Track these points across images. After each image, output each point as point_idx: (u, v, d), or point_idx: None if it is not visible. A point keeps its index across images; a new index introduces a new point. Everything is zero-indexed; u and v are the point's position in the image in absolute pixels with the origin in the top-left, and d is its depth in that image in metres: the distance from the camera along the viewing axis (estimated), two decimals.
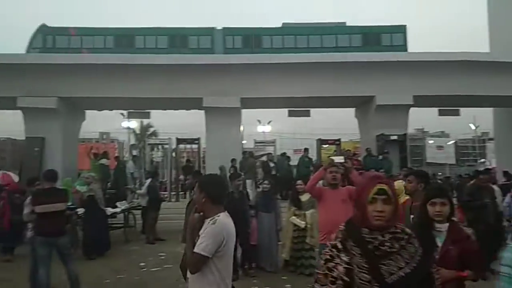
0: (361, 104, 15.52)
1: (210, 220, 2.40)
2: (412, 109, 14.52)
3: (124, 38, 18.00)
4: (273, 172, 13.47)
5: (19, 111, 14.16)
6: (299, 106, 15.40)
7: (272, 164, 14.62)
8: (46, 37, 17.99)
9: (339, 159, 4.17)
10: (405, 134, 14.36)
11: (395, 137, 14.08)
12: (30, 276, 5.26)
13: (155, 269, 7.09)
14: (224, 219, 2.43)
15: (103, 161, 13.44)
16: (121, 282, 6.31)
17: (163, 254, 8.19)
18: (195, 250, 2.32)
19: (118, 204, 9.87)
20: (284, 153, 15.51)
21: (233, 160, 13.14)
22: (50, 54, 15.74)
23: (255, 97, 14.19)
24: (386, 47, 18.04)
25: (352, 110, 16.88)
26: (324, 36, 18.31)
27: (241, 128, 14.95)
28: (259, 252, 6.59)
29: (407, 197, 3.82)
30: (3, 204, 7.62)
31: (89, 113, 16.54)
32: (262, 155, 16.73)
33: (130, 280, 6.40)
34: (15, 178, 9.73)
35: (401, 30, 19.35)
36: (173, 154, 16.01)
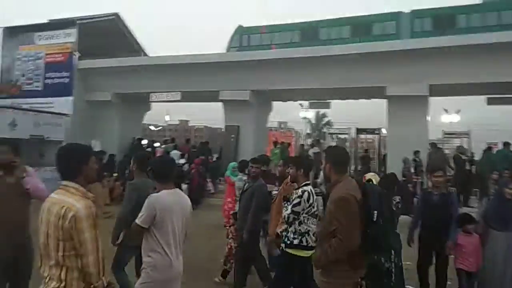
0: None
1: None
2: None
3: (309, 32, 18.71)
4: (467, 168, 12.01)
5: (219, 103, 16.37)
6: (502, 92, 13.23)
7: (464, 157, 13.08)
8: (242, 36, 20.21)
9: None
10: None
11: None
12: None
13: None
14: (160, 194, 2.91)
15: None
16: None
17: None
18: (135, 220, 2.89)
19: None
20: (490, 147, 13.30)
21: (416, 152, 12.29)
22: (244, 52, 17.54)
23: (446, 83, 12.84)
24: None
25: None
26: None
27: (428, 118, 13.72)
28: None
29: None
30: (194, 173, 12.27)
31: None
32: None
33: None
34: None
35: None
36: (347, 143, 15.97)
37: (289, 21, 20.37)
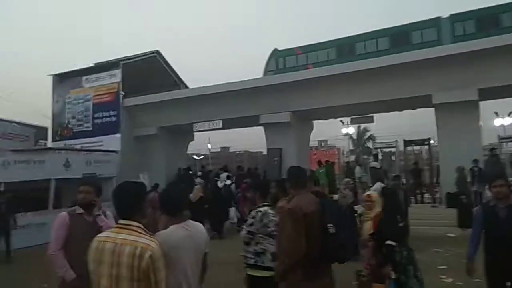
0: None
1: None
2: None
3: (345, 47, 18.60)
4: None
5: (259, 128, 16.44)
6: None
7: None
8: (278, 59, 20.45)
9: None
10: None
11: None
12: None
13: None
14: (167, 232, 2.53)
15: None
16: None
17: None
18: None
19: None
20: None
21: (475, 161, 11.62)
22: (281, 74, 17.66)
23: (495, 85, 12.20)
24: None
25: None
26: None
27: (480, 123, 13.02)
28: None
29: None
30: (240, 197, 12.11)
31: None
32: None
33: None
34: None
35: None
36: (393, 157, 15.40)
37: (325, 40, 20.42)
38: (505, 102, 15.92)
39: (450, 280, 6.40)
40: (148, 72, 18.82)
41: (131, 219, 2.20)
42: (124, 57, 18.30)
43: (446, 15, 17.49)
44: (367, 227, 4.80)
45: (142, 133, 17.74)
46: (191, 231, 2.69)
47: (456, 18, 17.18)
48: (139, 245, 2.09)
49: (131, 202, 2.26)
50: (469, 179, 11.65)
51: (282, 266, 3.11)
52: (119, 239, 2.14)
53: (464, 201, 11.18)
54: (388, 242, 3.97)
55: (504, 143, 16.46)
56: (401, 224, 4.42)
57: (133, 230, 2.16)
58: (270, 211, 3.95)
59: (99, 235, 2.26)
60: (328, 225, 3.09)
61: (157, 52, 19.25)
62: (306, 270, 3.01)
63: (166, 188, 3.16)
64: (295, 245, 2.99)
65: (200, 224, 2.90)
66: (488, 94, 12.77)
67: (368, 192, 5.35)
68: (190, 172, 16.97)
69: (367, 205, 5.09)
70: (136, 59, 18.35)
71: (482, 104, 13.12)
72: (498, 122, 26.55)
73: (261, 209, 3.94)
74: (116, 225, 2.25)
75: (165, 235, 2.56)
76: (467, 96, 12.36)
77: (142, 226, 2.20)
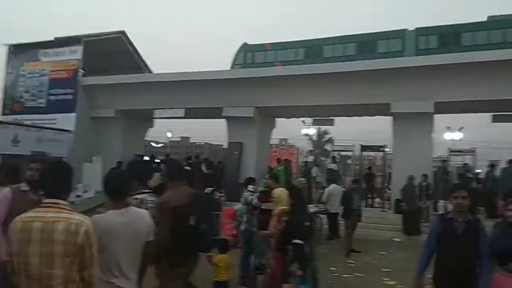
0: None
1: None
2: None
3: (313, 49, 18.81)
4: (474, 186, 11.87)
5: (222, 120, 16.31)
6: (507, 110, 13.16)
7: (470, 175, 12.99)
8: (247, 54, 20.34)
9: None
10: None
11: None
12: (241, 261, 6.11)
13: (346, 275, 7.11)
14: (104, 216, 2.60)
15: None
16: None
17: (352, 262, 8.17)
18: None
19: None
20: (494, 164, 13.22)
21: (424, 176, 12.12)
22: (249, 69, 17.61)
23: (451, 100, 12.79)
24: None
25: None
26: None
27: (433, 135, 13.63)
28: None
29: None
30: None
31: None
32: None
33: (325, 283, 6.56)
34: None
35: None
36: (349, 161, 15.87)
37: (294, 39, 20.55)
38: (457, 117, 16.78)
39: (393, 283, 6.65)
40: (112, 52, 18.15)
41: (59, 198, 2.23)
42: (88, 34, 17.51)
43: (412, 28, 18.16)
44: (273, 223, 5.04)
45: (100, 114, 17.05)
46: (129, 218, 2.60)
47: (420, 31, 17.84)
48: (73, 222, 2.15)
49: (58, 181, 2.28)
50: (417, 193, 12.05)
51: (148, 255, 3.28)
52: (50, 217, 2.14)
53: (403, 208, 11.69)
54: (296, 241, 4.13)
55: (453, 156, 17.31)
56: (306, 224, 4.65)
57: (62, 208, 2.20)
58: (150, 198, 3.81)
59: (21, 215, 2.20)
60: (191, 217, 3.51)
61: (123, 32, 18.59)
62: (173, 257, 3.40)
63: (110, 172, 3.01)
64: (160, 235, 3.24)
65: (145, 212, 2.81)
66: (443, 108, 13.32)
67: (276, 190, 5.58)
68: (146, 159, 16.63)
69: (273, 202, 5.40)
70: (100, 37, 17.62)
71: (436, 117, 13.72)
72: (448, 136, 28.07)
73: (138, 196, 3.79)
74: (42, 204, 2.22)
75: (99, 219, 2.54)
76: (424, 108, 12.85)
77: (69, 205, 2.25)
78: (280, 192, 5.31)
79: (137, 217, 2.70)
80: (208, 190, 9.43)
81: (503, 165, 13.04)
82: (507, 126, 15.04)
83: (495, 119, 13.73)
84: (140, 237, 2.67)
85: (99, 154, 15.48)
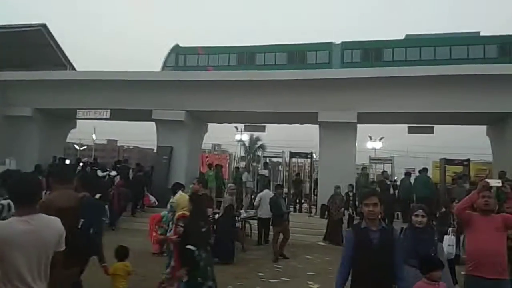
0: (495, 122, 13.88)
1: None
2: None
3: (246, 56, 19.05)
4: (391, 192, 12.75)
5: (151, 123, 15.80)
6: (421, 122, 14.39)
7: (388, 182, 13.93)
8: (178, 56, 19.99)
9: (495, 182, 3.71)
10: None
11: None
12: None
13: (274, 280, 7.20)
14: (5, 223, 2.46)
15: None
16: None
17: (279, 267, 8.30)
18: None
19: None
20: (409, 173, 14.30)
21: (351, 186, 12.63)
22: (180, 71, 17.31)
23: (372, 111, 13.69)
24: None
25: (481, 128, 15.25)
26: (454, 47, 16.91)
27: (356, 144, 14.45)
28: None
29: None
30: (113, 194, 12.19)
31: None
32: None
33: None
34: None
35: None
36: (279, 167, 16.27)
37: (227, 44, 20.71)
38: (378, 127, 18.06)
39: (317, 286, 6.87)
40: (31, 46, 16.78)
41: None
42: (4, 25, 16.02)
43: (337, 41, 19.24)
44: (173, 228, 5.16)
45: (15, 113, 15.60)
46: (34, 226, 2.39)
47: (346, 45, 18.99)
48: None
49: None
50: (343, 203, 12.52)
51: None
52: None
53: (327, 217, 12.14)
54: (188, 246, 4.19)
55: (374, 164, 18.49)
56: (203, 229, 4.74)
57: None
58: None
59: None
60: (80, 220, 3.55)
61: (44, 26, 17.28)
62: (64, 260, 3.18)
63: (19, 176, 2.75)
64: None
65: (56, 219, 2.59)
66: (365, 118, 14.19)
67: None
68: (68, 162, 15.56)
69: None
70: (18, 29, 16.21)
71: (359, 127, 14.57)
72: (370, 145, 30.09)
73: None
74: None
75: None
76: (348, 118, 13.58)
77: None
78: (180, 197, 5.43)
79: (44, 225, 2.47)
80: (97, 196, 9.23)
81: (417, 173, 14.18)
82: (422, 137, 16.42)
83: (410, 130, 14.92)
84: (46, 246, 2.45)
85: (12, 156, 14.21)
